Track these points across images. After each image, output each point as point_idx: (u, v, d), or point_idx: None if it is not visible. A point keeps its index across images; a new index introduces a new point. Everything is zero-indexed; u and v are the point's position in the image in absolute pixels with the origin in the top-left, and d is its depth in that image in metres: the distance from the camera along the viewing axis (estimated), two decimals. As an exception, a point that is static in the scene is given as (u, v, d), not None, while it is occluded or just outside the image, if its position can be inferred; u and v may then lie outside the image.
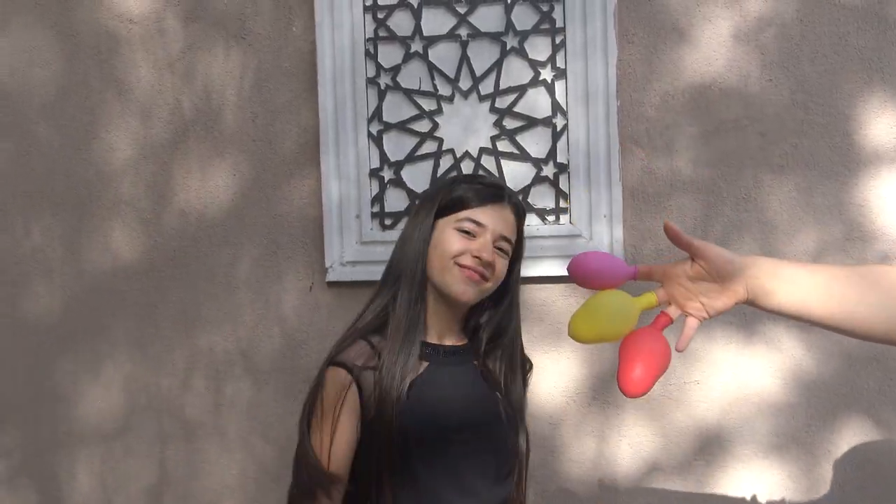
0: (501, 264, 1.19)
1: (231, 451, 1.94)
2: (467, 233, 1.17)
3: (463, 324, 1.27)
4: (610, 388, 1.80)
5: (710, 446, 1.78)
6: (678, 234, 0.93)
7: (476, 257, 1.15)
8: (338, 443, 1.14)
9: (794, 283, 0.92)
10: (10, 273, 2.01)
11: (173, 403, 1.95)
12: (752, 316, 1.75)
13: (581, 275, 1.00)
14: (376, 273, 1.83)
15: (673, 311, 0.99)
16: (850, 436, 1.74)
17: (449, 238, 1.17)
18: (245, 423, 1.93)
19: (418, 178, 1.83)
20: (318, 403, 1.17)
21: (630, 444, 1.80)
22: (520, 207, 1.23)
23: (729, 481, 1.77)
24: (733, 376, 1.76)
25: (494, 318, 1.25)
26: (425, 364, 1.19)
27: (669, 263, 0.97)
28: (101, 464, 1.99)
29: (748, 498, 1.77)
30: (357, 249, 1.85)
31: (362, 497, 1.17)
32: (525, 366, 1.31)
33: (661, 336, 0.97)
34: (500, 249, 1.19)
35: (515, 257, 1.24)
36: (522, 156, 1.80)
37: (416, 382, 1.16)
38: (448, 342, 1.24)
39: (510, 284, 1.25)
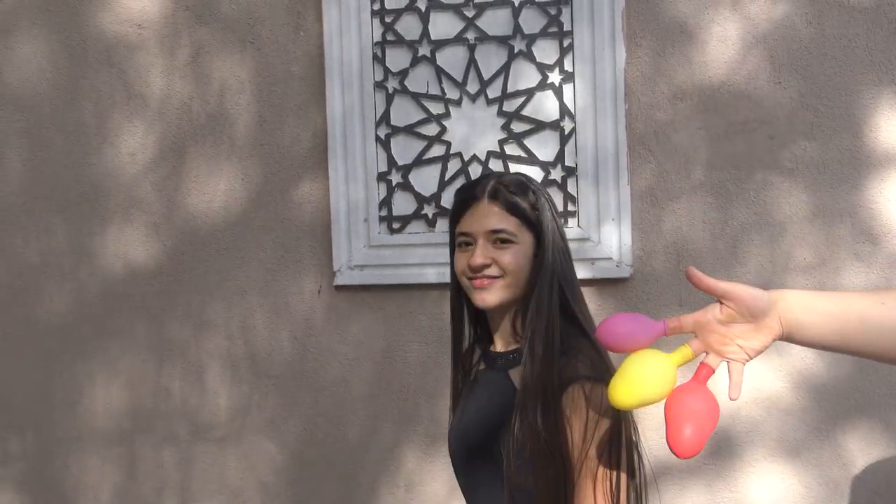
0: (508, 255, 1.13)
1: (241, 454, 1.94)
2: (466, 245, 1.17)
3: (515, 332, 1.20)
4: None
5: (719, 450, 1.77)
6: (701, 280, 0.91)
7: (472, 267, 1.14)
8: None
9: (829, 314, 0.90)
10: (23, 277, 2.03)
11: (183, 406, 1.96)
12: (761, 319, 1.74)
13: (611, 341, 0.97)
14: (384, 276, 1.86)
15: (713, 360, 0.95)
16: (861, 440, 1.73)
17: (455, 258, 1.20)
18: (254, 425, 1.94)
19: (426, 181, 1.84)
20: None
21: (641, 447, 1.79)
22: (501, 193, 1.15)
23: (738, 485, 1.76)
24: (743, 380, 1.75)
25: (527, 321, 1.15)
26: (482, 369, 1.25)
27: (698, 312, 0.94)
28: (112, 465, 2.00)
29: (757, 501, 1.76)
30: (365, 253, 1.85)
31: None
32: (548, 389, 1.09)
33: (704, 390, 0.94)
34: (501, 241, 1.14)
35: (539, 244, 1.15)
36: (530, 159, 1.80)
37: (464, 391, 1.26)
38: (499, 349, 1.21)
39: (537, 277, 1.15)
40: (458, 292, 1.22)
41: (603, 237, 1.76)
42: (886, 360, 0.92)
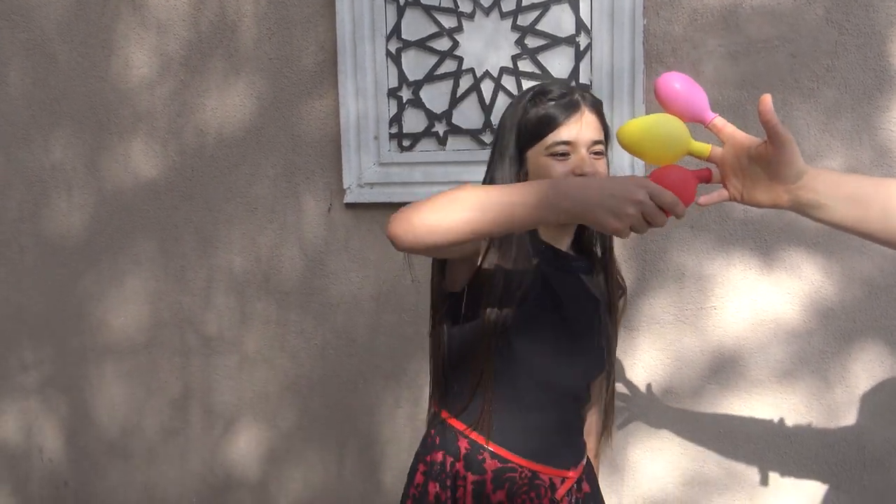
0: (602, 166, 1.16)
1: (252, 367, 1.99)
2: (562, 154, 1.14)
3: (572, 237, 1.25)
4: (625, 311, 1.80)
5: (724, 370, 1.79)
6: (769, 111, 0.88)
7: (580, 174, 1.13)
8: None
9: (853, 200, 0.90)
10: (33, 191, 2.03)
11: (195, 320, 1.99)
12: (771, 241, 1.73)
13: (665, 89, 0.94)
14: (394, 195, 1.85)
15: (716, 173, 0.96)
16: (867, 362, 1.74)
17: (546, 167, 1.14)
18: (265, 340, 1.97)
19: (437, 98, 1.80)
20: None
21: (644, 368, 1.82)
22: (596, 102, 1.19)
23: (741, 405, 1.79)
24: (751, 302, 1.76)
25: (590, 238, 1.25)
26: (536, 261, 1.19)
27: (743, 133, 0.94)
28: (126, 376, 2.05)
29: (759, 421, 1.79)
30: (375, 171, 1.84)
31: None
32: (618, 289, 1.30)
33: (692, 179, 0.93)
34: (597, 153, 1.16)
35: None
36: (544, 76, 1.76)
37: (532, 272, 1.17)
38: (563, 248, 1.24)
39: None
40: None
41: (616, 157, 1.73)
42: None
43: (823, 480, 1.79)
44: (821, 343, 1.75)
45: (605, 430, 1.35)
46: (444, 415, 1.23)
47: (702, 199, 0.96)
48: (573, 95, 1.16)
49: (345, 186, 1.85)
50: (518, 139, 1.16)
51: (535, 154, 1.16)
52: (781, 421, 1.79)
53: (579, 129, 1.13)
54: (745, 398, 1.79)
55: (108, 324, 2.04)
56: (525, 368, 1.17)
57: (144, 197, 1.98)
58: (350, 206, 1.87)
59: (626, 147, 0.96)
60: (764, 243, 1.74)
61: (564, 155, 1.14)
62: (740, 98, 1.71)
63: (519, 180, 1.16)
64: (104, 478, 2.10)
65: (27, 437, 2.14)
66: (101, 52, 1.95)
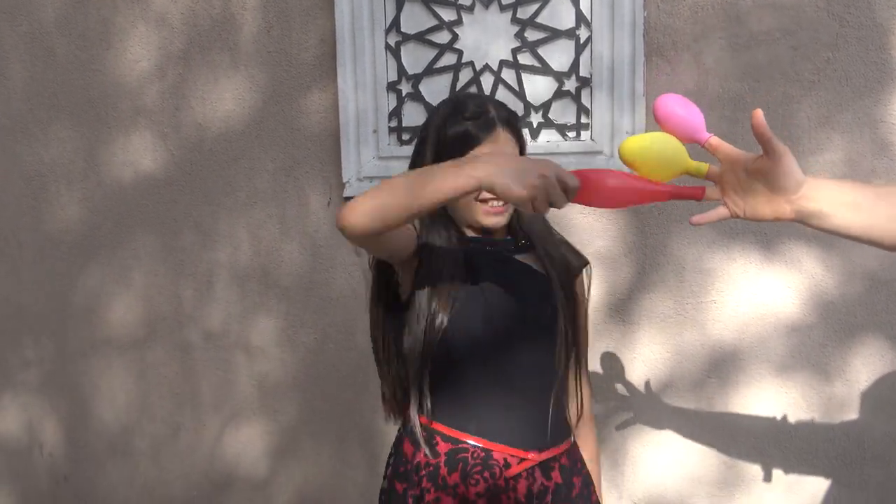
0: None
1: (252, 361, 1.98)
2: None
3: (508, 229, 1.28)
4: (625, 305, 1.80)
5: (724, 364, 1.79)
6: (763, 125, 0.89)
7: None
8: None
9: (857, 208, 0.90)
10: (31, 185, 2.03)
11: (195, 314, 1.99)
12: (772, 235, 1.73)
13: (663, 110, 0.97)
14: (394, 188, 1.84)
15: (712, 192, 0.96)
16: (867, 357, 1.74)
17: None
18: (265, 334, 1.97)
19: (437, 91, 1.80)
20: None
21: (644, 362, 1.82)
22: (511, 117, 1.22)
23: (741, 399, 1.79)
24: (751, 295, 1.75)
25: (523, 225, 1.27)
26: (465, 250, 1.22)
27: (738, 150, 0.95)
28: (126, 371, 2.05)
29: (759, 416, 1.79)
30: (375, 164, 1.83)
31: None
32: (572, 258, 1.30)
33: (629, 191, 0.98)
34: None
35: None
36: (544, 69, 1.75)
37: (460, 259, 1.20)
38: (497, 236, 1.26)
39: None
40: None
41: (615, 150, 1.73)
42: None
43: (823, 474, 1.79)
44: (821, 337, 1.75)
45: (579, 416, 1.33)
46: (406, 411, 1.26)
47: (694, 219, 0.97)
48: (489, 114, 1.18)
49: (344, 180, 1.85)
50: (436, 156, 1.19)
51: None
52: (781, 415, 1.79)
53: (497, 146, 1.17)
54: (745, 392, 1.79)
55: (107, 318, 2.04)
56: (462, 349, 1.19)
57: (144, 191, 1.97)
58: (349, 199, 1.87)
59: (624, 162, 0.99)
60: (764, 237, 1.73)
61: None
62: (741, 91, 1.70)
63: None
64: (104, 473, 2.11)
65: (27, 432, 2.14)
66: (99, 45, 1.94)
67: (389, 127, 1.82)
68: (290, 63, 1.86)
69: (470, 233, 1.24)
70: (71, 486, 2.13)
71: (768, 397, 1.78)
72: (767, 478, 1.80)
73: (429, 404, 1.21)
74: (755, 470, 1.80)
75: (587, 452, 1.34)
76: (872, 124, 1.67)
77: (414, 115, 1.82)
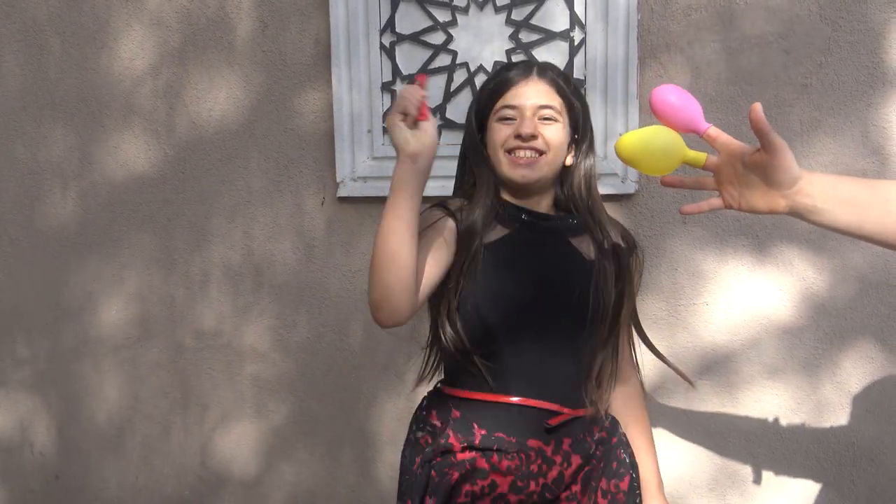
0: (551, 131, 1.18)
1: (244, 360, 1.98)
2: (508, 119, 1.19)
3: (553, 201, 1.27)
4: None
5: (715, 366, 1.79)
6: (762, 120, 0.90)
7: (518, 136, 1.17)
8: (421, 256, 1.12)
9: (852, 203, 0.91)
10: (24, 183, 2.02)
11: (188, 313, 1.99)
12: (764, 237, 1.73)
13: (660, 101, 0.97)
14: (388, 189, 1.83)
15: (709, 182, 0.97)
16: (857, 359, 1.75)
17: (494, 131, 1.20)
18: (258, 333, 1.96)
19: (431, 92, 1.80)
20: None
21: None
22: (553, 75, 1.21)
23: (733, 401, 1.80)
24: (743, 298, 1.76)
25: (569, 195, 1.25)
26: (515, 226, 1.21)
27: (737, 141, 0.95)
28: (118, 370, 2.05)
29: (751, 417, 1.80)
30: (369, 165, 1.83)
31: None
32: (619, 245, 1.27)
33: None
34: (545, 118, 1.19)
35: (575, 126, 1.22)
36: (538, 71, 1.76)
37: (502, 240, 1.20)
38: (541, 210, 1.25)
39: (578, 163, 1.24)
40: (484, 166, 1.22)
41: (609, 152, 1.73)
42: None
43: (814, 477, 1.79)
44: (812, 340, 1.76)
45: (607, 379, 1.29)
46: (439, 385, 1.29)
47: (685, 208, 0.98)
48: (522, 64, 1.22)
49: (338, 180, 1.85)
50: (477, 112, 1.23)
51: (490, 122, 1.21)
52: (772, 417, 1.79)
53: (526, 93, 1.18)
54: (736, 394, 1.80)
55: (99, 317, 2.04)
56: (491, 317, 1.19)
57: (137, 190, 1.97)
58: (343, 199, 1.87)
59: (623, 159, 1.00)
60: (756, 239, 1.74)
61: (511, 119, 1.19)
62: (734, 93, 1.71)
63: (480, 146, 1.23)
64: (96, 472, 2.10)
65: (18, 430, 2.14)
66: (93, 43, 1.94)
67: (384, 127, 1.83)
68: (284, 62, 1.86)
69: (512, 199, 1.23)
70: (62, 484, 2.13)
71: (759, 399, 1.79)
72: (758, 479, 1.81)
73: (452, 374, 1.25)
74: (746, 471, 1.81)
75: (639, 438, 1.33)
76: (864, 128, 1.68)
77: (408, 116, 1.82)
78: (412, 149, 1.03)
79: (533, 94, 1.18)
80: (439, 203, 1.22)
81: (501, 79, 1.20)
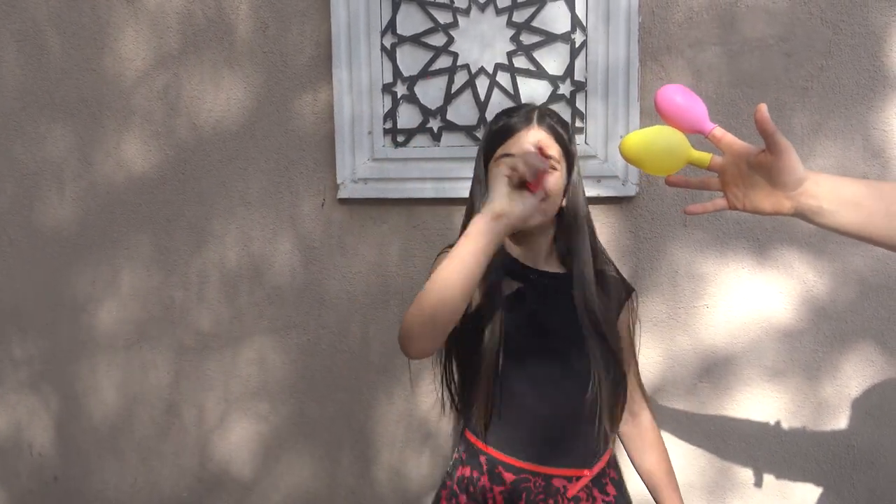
0: (552, 179, 1.19)
1: (244, 362, 1.98)
2: None
3: (558, 254, 1.29)
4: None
5: (716, 369, 1.79)
6: (767, 121, 0.89)
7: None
8: None
9: (857, 205, 0.90)
10: (23, 183, 2.02)
11: (187, 314, 1.99)
12: (764, 240, 1.73)
13: (665, 101, 0.97)
14: (388, 191, 1.84)
15: (714, 182, 0.97)
16: (858, 362, 1.75)
17: (492, 177, 1.19)
18: (257, 335, 1.96)
19: (432, 94, 1.80)
20: None
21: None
22: (553, 122, 1.22)
23: (733, 404, 1.80)
24: (743, 300, 1.76)
25: (568, 242, 1.27)
26: (521, 284, 1.25)
27: (742, 142, 0.95)
28: (117, 371, 2.04)
29: (751, 420, 1.80)
30: (369, 166, 1.83)
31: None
32: (613, 291, 1.30)
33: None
34: None
35: (570, 170, 1.24)
36: (539, 73, 1.76)
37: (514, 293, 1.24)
38: (545, 269, 1.28)
39: (571, 203, 1.25)
40: None
41: (610, 155, 1.73)
42: None
43: (814, 479, 1.79)
44: (812, 342, 1.76)
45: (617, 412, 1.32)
46: (466, 433, 1.30)
47: (689, 208, 0.97)
48: (522, 112, 1.22)
49: (338, 182, 1.84)
50: (484, 155, 1.24)
51: (491, 168, 1.21)
52: (772, 420, 1.79)
53: (524, 142, 1.18)
54: (736, 397, 1.80)
55: (99, 318, 2.03)
56: (512, 380, 1.22)
57: (137, 191, 1.96)
58: (344, 201, 1.87)
59: (627, 159, 0.99)
60: (757, 242, 1.74)
61: None
62: (735, 96, 1.71)
63: (486, 189, 1.24)
64: (94, 473, 2.10)
65: (17, 431, 2.13)
66: (93, 43, 1.93)
67: (384, 129, 1.82)
68: (285, 64, 1.86)
69: (518, 256, 1.26)
70: (61, 486, 2.12)
71: (760, 402, 1.79)
72: (758, 482, 1.81)
73: (488, 432, 1.25)
74: (746, 474, 1.81)
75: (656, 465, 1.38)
76: (865, 131, 1.68)
77: (409, 118, 1.82)
78: (499, 208, 1.02)
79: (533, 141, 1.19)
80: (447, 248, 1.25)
81: (502, 125, 1.21)
